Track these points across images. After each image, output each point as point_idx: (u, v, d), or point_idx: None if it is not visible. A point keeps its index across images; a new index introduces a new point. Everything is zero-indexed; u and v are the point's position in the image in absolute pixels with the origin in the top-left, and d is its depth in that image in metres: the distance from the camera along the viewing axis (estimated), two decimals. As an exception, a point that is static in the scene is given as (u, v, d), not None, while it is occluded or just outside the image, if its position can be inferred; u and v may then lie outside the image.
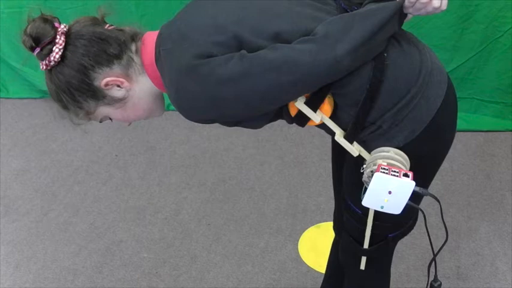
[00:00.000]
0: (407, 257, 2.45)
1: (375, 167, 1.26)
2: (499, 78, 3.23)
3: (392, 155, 1.29)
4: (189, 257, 2.55)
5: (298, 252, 2.54)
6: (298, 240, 2.60)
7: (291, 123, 1.37)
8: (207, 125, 3.40)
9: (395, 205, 1.27)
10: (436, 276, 1.60)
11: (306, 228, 2.66)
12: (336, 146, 1.46)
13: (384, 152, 1.30)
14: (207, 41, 1.24)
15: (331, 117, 1.33)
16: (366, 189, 1.28)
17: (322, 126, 1.38)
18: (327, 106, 1.30)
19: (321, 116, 1.31)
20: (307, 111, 1.29)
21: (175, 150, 3.29)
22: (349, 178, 1.50)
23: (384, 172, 1.24)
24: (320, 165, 3.06)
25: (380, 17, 1.21)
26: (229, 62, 1.20)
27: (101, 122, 1.45)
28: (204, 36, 1.25)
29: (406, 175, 1.25)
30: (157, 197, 2.92)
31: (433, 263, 1.54)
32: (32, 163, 3.23)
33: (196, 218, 2.77)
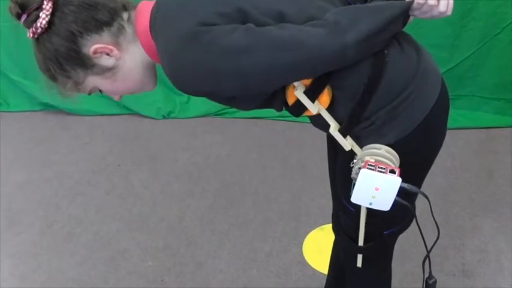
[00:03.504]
0: (413, 255, 2.44)
1: (363, 164, 1.27)
2: (499, 74, 3.23)
3: (382, 153, 1.29)
4: (194, 264, 2.55)
5: (303, 255, 2.54)
6: (302, 243, 2.60)
7: (279, 110, 1.35)
8: (208, 131, 3.41)
9: (383, 202, 1.27)
10: (430, 273, 1.60)
11: (310, 231, 2.66)
12: (331, 146, 1.46)
13: (375, 149, 1.31)
14: (211, 11, 1.20)
15: (327, 110, 1.33)
16: (354, 185, 1.29)
17: (316, 121, 1.37)
18: (325, 97, 1.29)
19: (318, 107, 1.30)
20: (305, 101, 1.28)
21: (177, 157, 3.29)
22: (342, 176, 1.49)
23: (370, 168, 1.25)
24: (322, 167, 3.04)
25: (388, 15, 1.21)
26: (234, 33, 1.17)
27: (89, 94, 1.40)
28: (208, 6, 1.21)
29: (392, 171, 1.25)
30: (160, 205, 2.92)
31: (428, 260, 1.55)
32: (34, 175, 3.24)
33: (200, 225, 2.77)
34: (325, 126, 1.36)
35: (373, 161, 1.27)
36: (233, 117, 3.58)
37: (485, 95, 3.32)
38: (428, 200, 1.38)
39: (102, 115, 3.74)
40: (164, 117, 3.66)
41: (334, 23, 1.18)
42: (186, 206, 2.90)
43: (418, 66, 1.31)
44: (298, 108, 1.31)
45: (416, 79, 1.30)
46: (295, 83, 1.27)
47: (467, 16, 3.07)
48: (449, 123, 3.50)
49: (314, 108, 1.30)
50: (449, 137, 3.48)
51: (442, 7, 1.24)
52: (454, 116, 3.31)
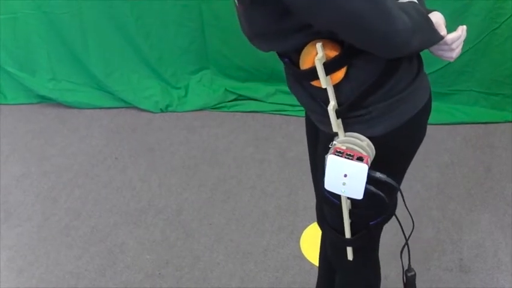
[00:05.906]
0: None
1: (332, 150, 1.29)
2: (496, 69, 3.23)
3: (359, 142, 1.31)
4: (191, 258, 2.55)
5: (300, 250, 2.54)
6: (300, 238, 2.60)
7: (267, 50, 1.33)
8: (206, 125, 3.40)
9: (354, 189, 1.29)
10: (409, 265, 1.62)
11: (308, 225, 2.67)
12: (311, 136, 1.46)
13: (359, 139, 1.33)
14: None
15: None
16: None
17: (303, 90, 1.39)
18: (340, 74, 1.29)
19: (329, 82, 1.29)
20: (321, 72, 1.26)
21: (174, 151, 3.29)
22: (322, 167, 1.50)
23: (337, 155, 1.26)
24: (320, 162, 3.06)
25: (434, 37, 1.32)
26: None
27: None
28: None
29: (360, 159, 1.26)
30: (158, 199, 2.92)
31: (408, 252, 1.57)
32: (31, 168, 3.23)
33: (197, 219, 2.77)
34: (309, 99, 1.39)
35: (344, 148, 1.29)
36: (231, 111, 3.57)
37: (482, 90, 3.32)
38: (400, 190, 1.42)
39: (100, 108, 3.73)
40: (162, 111, 3.65)
41: (414, 20, 1.21)
42: (183, 200, 2.90)
43: (418, 68, 1.40)
44: (308, 75, 1.30)
45: (416, 80, 1.38)
46: (320, 51, 1.24)
47: (465, 11, 3.07)
48: (447, 118, 3.51)
49: (325, 81, 1.28)
50: (447, 132, 3.51)
51: (455, 54, 1.38)
52: (451, 111, 3.32)
